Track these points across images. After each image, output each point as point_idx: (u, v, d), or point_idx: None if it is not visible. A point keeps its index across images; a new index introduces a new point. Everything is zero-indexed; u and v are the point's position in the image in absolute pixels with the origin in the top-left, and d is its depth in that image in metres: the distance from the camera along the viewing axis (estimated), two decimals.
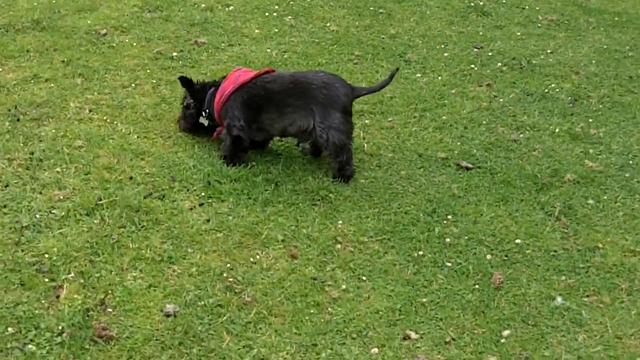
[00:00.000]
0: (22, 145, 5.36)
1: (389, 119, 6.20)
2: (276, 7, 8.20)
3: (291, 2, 8.35)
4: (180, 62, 6.74)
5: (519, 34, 8.20)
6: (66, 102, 5.97)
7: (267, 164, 5.49)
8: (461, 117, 6.30)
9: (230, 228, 4.78)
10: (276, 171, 5.37)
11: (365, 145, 5.81)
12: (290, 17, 8.01)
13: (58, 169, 5.16)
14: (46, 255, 4.41)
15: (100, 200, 4.88)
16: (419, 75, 6.94)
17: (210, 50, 7.04)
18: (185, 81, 5.58)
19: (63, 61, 6.56)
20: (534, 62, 7.47)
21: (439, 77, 6.92)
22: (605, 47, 8.05)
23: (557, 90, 6.90)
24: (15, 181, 4.98)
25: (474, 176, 5.58)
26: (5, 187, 4.92)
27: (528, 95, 6.76)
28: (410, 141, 5.94)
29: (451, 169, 5.67)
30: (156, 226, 4.76)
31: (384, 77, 6.66)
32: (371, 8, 8.43)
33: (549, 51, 7.78)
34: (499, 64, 7.34)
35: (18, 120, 5.64)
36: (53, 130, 5.59)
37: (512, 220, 5.13)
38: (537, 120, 6.36)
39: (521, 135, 6.10)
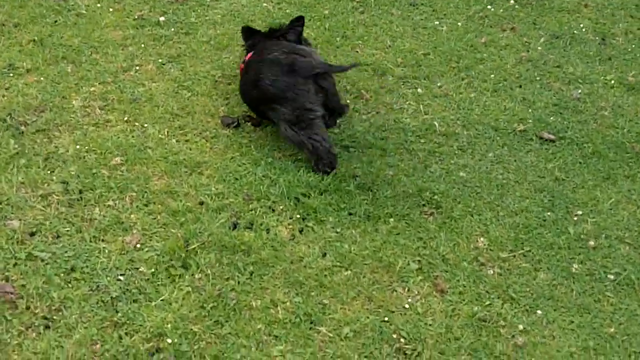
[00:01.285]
0: (47, 172, 4.14)
1: (438, 84, 5.30)
2: None
3: None
4: (171, 28, 5.49)
5: None
6: (67, 99, 4.68)
7: (342, 160, 4.55)
8: (509, 74, 5.52)
9: (354, 262, 3.87)
10: (360, 170, 4.41)
11: (436, 124, 4.85)
12: None
13: (109, 202, 4.01)
14: (161, 337, 3.31)
15: (188, 244, 3.72)
16: (437, 22, 6.03)
17: (197, 10, 5.80)
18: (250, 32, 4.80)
19: (34, 41, 5.17)
20: None
21: (459, 23, 6.06)
22: None
23: (581, 29, 6.20)
24: (66, 228, 3.79)
25: (560, 150, 4.90)
26: (57, 238, 3.72)
27: (556, 37, 6.03)
28: (475, 111, 5.11)
29: (535, 143, 4.95)
30: (266, 270, 3.81)
31: (399, 27, 5.96)
32: None
33: None
34: (511, 1, 6.44)
35: (22, 133, 4.34)
36: (72, 144, 4.38)
37: (634, 205, 4.41)
38: (583, 71, 5.69)
39: (579, 92, 5.34)
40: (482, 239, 4.11)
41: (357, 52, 5.58)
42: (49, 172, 4.11)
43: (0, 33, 5.16)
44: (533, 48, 5.89)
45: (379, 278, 3.82)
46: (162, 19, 5.55)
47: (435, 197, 4.34)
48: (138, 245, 3.76)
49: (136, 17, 5.56)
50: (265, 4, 5.97)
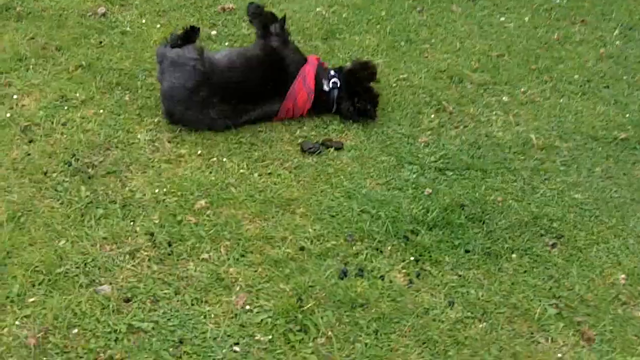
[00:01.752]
0: (129, 222, 3.63)
1: (522, 89, 4.77)
2: None
3: None
4: (225, 42, 4.86)
5: None
6: (131, 133, 4.11)
7: (443, 186, 4.04)
8: (592, 73, 5.01)
9: (486, 311, 3.40)
10: (465, 198, 3.99)
11: (532, 137, 4.33)
12: None
13: (203, 255, 3.49)
14: None
15: (301, 302, 3.18)
16: (502, 18, 5.49)
17: (245, 20, 5.14)
18: None
19: (82, 66, 4.56)
20: None
21: (525, 18, 5.53)
22: None
23: None
24: (163, 291, 3.27)
25: None
26: (155, 302, 3.20)
27: (630, 29, 5.53)
28: (569, 119, 4.59)
29: (639, 152, 4.32)
30: (392, 327, 3.27)
31: (463, 25, 5.48)
32: None
33: None
34: None
35: (91, 177, 3.79)
36: (148, 187, 3.85)
37: None
38: None
39: None
40: (617, 272, 3.58)
41: (427, 57, 5.04)
42: (130, 222, 3.56)
43: (44, 58, 4.56)
44: (610, 42, 5.37)
45: (517, 329, 3.30)
46: (213, 32, 4.98)
47: (554, 224, 3.84)
48: (247, 307, 3.21)
49: None
50: (319, 9, 5.37)
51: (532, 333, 3.30)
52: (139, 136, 4.08)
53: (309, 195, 3.86)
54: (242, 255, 3.50)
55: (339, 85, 4.28)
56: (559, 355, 3.21)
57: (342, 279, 3.45)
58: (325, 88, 4.26)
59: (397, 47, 5.07)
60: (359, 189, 3.92)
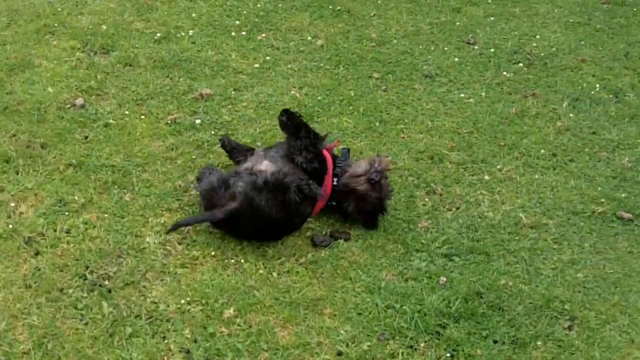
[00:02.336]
0: (160, 340, 3.40)
1: (498, 167, 4.73)
2: (235, 21, 6.09)
3: (242, 11, 6.22)
4: (209, 131, 4.66)
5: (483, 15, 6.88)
6: (139, 237, 3.96)
7: (454, 273, 3.94)
8: (556, 147, 5.10)
9: None
10: (478, 284, 3.90)
11: (522, 216, 4.30)
12: (258, 33, 6.05)
13: None
14: None
15: None
16: (461, 94, 5.49)
17: (225, 105, 5.05)
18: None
19: (72, 165, 4.24)
20: (535, 53, 6.34)
21: (482, 94, 5.55)
22: (568, 20, 7.04)
23: (594, 88, 5.85)
24: None
25: (637, 229, 4.43)
26: None
27: (576, 100, 5.64)
28: (548, 195, 4.63)
29: (617, 225, 4.54)
30: None
31: (428, 103, 5.47)
32: (330, 7, 6.55)
33: (534, 36, 6.68)
34: (508, 61, 6.08)
35: (110, 291, 3.49)
36: (170, 297, 3.61)
37: None
38: (617, 134, 5.37)
39: (627, 159, 4.92)
40: (634, 351, 3.56)
41: (404, 137, 4.96)
42: (162, 338, 3.31)
43: (31, 158, 4.21)
44: (563, 114, 5.46)
45: None
46: (197, 121, 4.70)
47: (565, 306, 3.84)
48: None
49: (169, 121, 4.72)
50: (292, 92, 5.20)
51: None
52: (148, 240, 3.81)
53: (332, 293, 3.69)
54: None
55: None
56: None
57: None
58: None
59: (373, 128, 4.96)
60: (377, 282, 3.79)
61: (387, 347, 3.48)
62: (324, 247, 3.97)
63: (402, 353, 3.45)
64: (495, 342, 3.58)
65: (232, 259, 3.81)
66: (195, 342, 3.32)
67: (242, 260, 3.80)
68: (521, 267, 4.05)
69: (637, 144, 5.26)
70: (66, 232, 3.80)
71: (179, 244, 3.84)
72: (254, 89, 5.22)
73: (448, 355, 3.47)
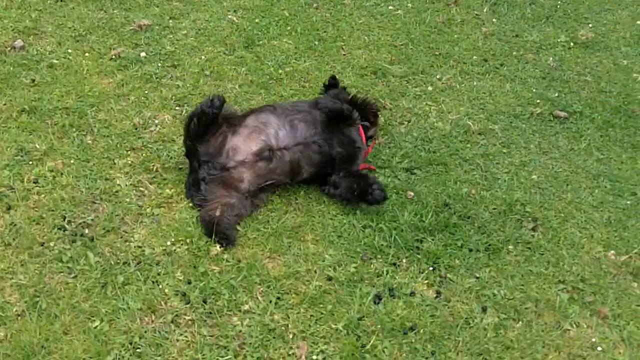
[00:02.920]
0: (155, 286, 3.14)
1: (437, 77, 4.67)
2: None
3: None
4: (156, 63, 4.31)
5: None
6: (110, 181, 3.61)
7: (419, 186, 3.82)
8: (485, 52, 5.05)
9: (515, 309, 3.29)
10: (444, 195, 3.80)
11: (470, 123, 4.27)
12: None
13: (245, 307, 3.15)
14: None
15: (359, 338, 2.96)
16: (390, 7, 5.36)
17: (165, 35, 4.64)
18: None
19: (25, 111, 3.98)
20: None
21: (409, 5, 5.41)
22: None
23: None
24: (225, 358, 2.86)
25: (577, 126, 4.52)
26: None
27: (495, 4, 5.62)
28: (487, 100, 4.59)
29: (555, 124, 4.54)
30: (446, 346, 3.06)
31: (360, 17, 5.29)
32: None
33: None
34: None
35: (92, 239, 3.29)
36: (154, 240, 3.34)
37: None
38: (538, 36, 5.29)
39: (551, 59, 4.93)
40: (596, 246, 3.58)
41: (345, 54, 4.71)
42: (155, 284, 3.02)
43: None
44: (486, 20, 5.35)
45: (547, 321, 3.21)
46: (142, 54, 4.33)
47: (527, 209, 3.77)
48: (313, 357, 2.84)
49: (113, 56, 4.31)
50: (229, 16, 4.86)
51: (559, 322, 3.19)
52: (119, 182, 3.49)
53: (310, 219, 3.50)
54: (279, 299, 3.09)
55: None
56: (593, 340, 3.12)
57: (377, 303, 3.15)
58: None
59: (314, 47, 4.70)
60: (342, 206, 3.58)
61: (372, 266, 3.33)
62: None
63: (387, 271, 3.32)
64: (470, 250, 3.49)
65: None
66: (189, 283, 3.08)
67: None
68: (479, 174, 3.95)
69: (557, 44, 5.21)
70: (34, 183, 3.41)
71: (151, 183, 3.53)
72: (190, 16, 4.82)
73: (430, 268, 3.35)
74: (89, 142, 3.65)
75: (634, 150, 4.24)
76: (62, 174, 3.44)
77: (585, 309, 3.23)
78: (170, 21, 4.66)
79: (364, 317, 3.03)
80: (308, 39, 4.72)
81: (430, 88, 4.49)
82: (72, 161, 3.52)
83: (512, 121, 4.33)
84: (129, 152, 3.63)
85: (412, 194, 3.69)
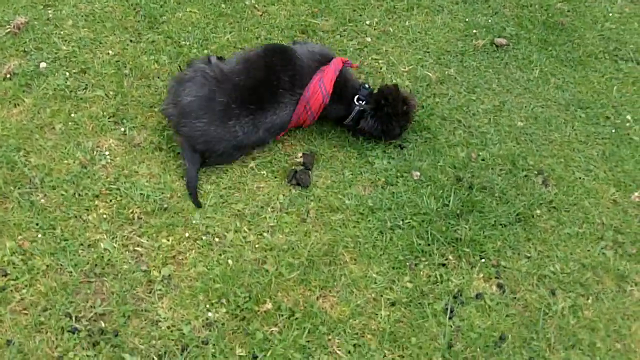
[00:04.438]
0: None
1: (367, 23, 4.25)
2: None
3: None
4: (64, 72, 3.53)
5: None
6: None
7: (413, 160, 3.48)
8: None
9: (585, 286, 3.19)
10: (444, 162, 3.51)
11: (428, 73, 3.97)
12: None
13: None
14: None
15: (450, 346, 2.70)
16: None
17: (49, 30, 3.83)
18: None
19: None
20: None
21: None
22: None
23: None
24: None
25: (520, 51, 4.32)
26: None
27: None
28: (427, 41, 4.27)
29: (500, 53, 4.30)
30: (545, 344, 2.92)
31: None
32: None
33: None
34: None
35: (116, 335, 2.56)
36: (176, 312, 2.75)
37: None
38: None
39: None
40: (609, 189, 3.51)
41: (261, 14, 4.12)
42: None
43: None
44: None
45: (611, 287, 3.18)
46: (42, 65, 3.47)
47: (529, 161, 3.63)
48: None
49: (6, 75, 3.43)
50: None
51: (620, 286, 3.12)
52: (104, 246, 2.85)
53: (334, 235, 3.04)
54: (357, 345, 2.71)
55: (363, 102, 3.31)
56: None
57: (452, 317, 2.86)
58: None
59: (224, 12, 4.05)
60: (364, 203, 3.18)
61: (422, 273, 3.02)
62: (301, 185, 3.24)
63: (440, 275, 3.04)
64: (504, 226, 3.26)
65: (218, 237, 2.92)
66: (256, 358, 2.55)
67: (228, 235, 2.94)
68: (464, 132, 3.68)
69: None
70: (4, 276, 2.66)
71: (140, 236, 2.89)
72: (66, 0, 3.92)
73: (480, 259, 3.10)
74: (40, 200, 2.88)
75: (582, 68, 4.14)
76: (32, 254, 2.67)
77: (634, 263, 3.09)
78: (49, 11, 3.74)
79: (451, 340, 2.68)
80: (212, 2, 4.02)
81: (368, 39, 4.05)
82: (35, 233, 2.74)
83: (462, 60, 4.05)
84: (94, 201, 2.91)
85: (418, 173, 3.31)
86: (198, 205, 2.94)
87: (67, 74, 3.46)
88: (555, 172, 3.51)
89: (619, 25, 4.50)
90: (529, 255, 3.11)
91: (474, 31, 4.28)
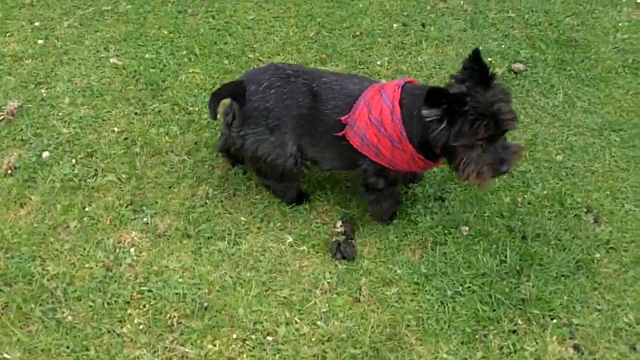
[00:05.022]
0: None
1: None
2: None
3: None
4: (71, 160, 3.24)
5: None
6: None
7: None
8: (395, 14, 4.36)
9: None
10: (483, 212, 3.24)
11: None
12: None
13: None
14: None
15: None
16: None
17: (46, 111, 3.53)
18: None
19: None
20: None
21: None
22: None
23: None
24: None
25: (536, 76, 4.05)
26: None
27: None
28: (439, 71, 3.98)
29: (520, 80, 4.02)
30: None
31: None
32: None
33: None
34: None
35: None
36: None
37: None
38: None
39: (463, 4, 4.51)
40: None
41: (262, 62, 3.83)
42: None
43: None
44: None
45: None
46: (45, 154, 3.17)
47: (576, 198, 3.41)
48: None
49: (7, 171, 3.13)
50: (111, 59, 3.72)
51: None
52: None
53: (394, 313, 2.78)
54: None
55: None
56: None
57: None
58: None
59: (226, 68, 3.79)
60: (418, 270, 2.92)
61: (494, 345, 2.76)
62: (347, 258, 2.96)
63: (513, 344, 2.79)
64: (567, 277, 3.05)
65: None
66: None
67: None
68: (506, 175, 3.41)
69: None
70: None
71: (183, 345, 2.57)
72: (60, 76, 3.61)
73: (551, 319, 2.86)
74: (67, 317, 2.57)
75: (604, 86, 3.94)
76: None
77: None
78: (42, 90, 3.42)
79: None
80: (214, 60, 3.75)
81: (383, 80, 3.75)
82: (67, 358, 2.41)
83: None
84: (127, 309, 2.59)
85: (467, 228, 3.06)
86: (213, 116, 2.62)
87: (74, 160, 3.14)
88: (604, 207, 3.28)
89: (631, 34, 4.31)
90: (599, 307, 2.87)
91: (489, 59, 4.03)
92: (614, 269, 3.04)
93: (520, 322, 2.81)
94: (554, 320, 2.82)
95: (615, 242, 3.14)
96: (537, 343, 2.75)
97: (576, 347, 2.78)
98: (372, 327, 2.71)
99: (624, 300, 2.91)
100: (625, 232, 3.19)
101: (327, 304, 2.76)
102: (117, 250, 2.82)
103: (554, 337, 2.77)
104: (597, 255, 3.09)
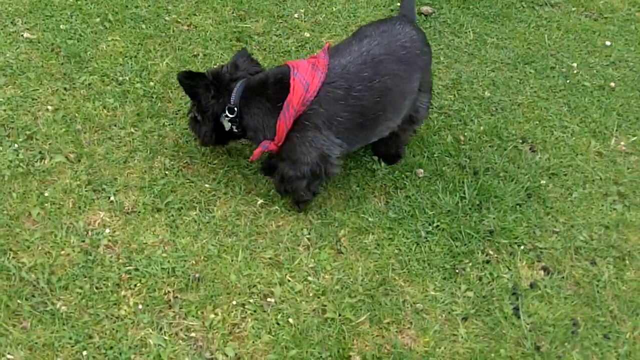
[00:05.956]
0: None
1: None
2: None
3: None
4: (15, 144, 3.07)
5: None
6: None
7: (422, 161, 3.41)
8: None
9: (619, 248, 3.22)
10: (439, 158, 3.43)
11: None
12: None
13: None
14: None
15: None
16: None
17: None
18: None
19: None
20: None
21: None
22: None
23: None
24: None
25: (444, 17, 4.29)
26: None
27: None
28: (363, 21, 4.13)
29: (433, 22, 4.24)
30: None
31: None
32: None
33: None
34: None
35: None
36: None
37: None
38: None
39: None
40: (587, 141, 3.62)
41: (187, 29, 3.80)
42: None
43: None
44: None
45: None
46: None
47: (511, 131, 3.62)
48: None
49: None
50: (23, 33, 3.53)
51: None
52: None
53: (377, 261, 2.88)
54: None
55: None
56: None
57: (519, 317, 2.81)
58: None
59: (148, 34, 3.67)
60: (388, 216, 3.05)
61: (471, 275, 2.93)
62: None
63: (486, 272, 2.98)
64: (519, 205, 3.24)
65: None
66: None
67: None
68: (442, 115, 3.58)
69: None
70: None
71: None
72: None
73: (517, 245, 3.08)
74: (61, 307, 2.57)
75: (507, 21, 4.18)
76: None
77: None
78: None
79: (535, 342, 2.63)
80: (130, 25, 3.64)
81: (306, 34, 3.81)
82: (75, 350, 2.42)
83: None
84: (119, 291, 2.60)
85: (421, 170, 3.27)
86: None
87: (15, 145, 2.97)
88: (536, 136, 3.52)
89: None
90: (556, 230, 3.11)
91: (398, 4, 4.13)
92: (559, 192, 3.25)
93: (491, 252, 2.97)
94: (521, 247, 3.00)
95: (555, 168, 3.35)
96: (509, 270, 2.92)
97: (545, 269, 2.97)
98: (361, 275, 2.78)
99: (575, 221, 3.14)
100: (561, 157, 3.41)
101: (312, 259, 2.80)
102: (90, 232, 2.72)
103: (524, 262, 2.96)
104: (543, 181, 3.30)
